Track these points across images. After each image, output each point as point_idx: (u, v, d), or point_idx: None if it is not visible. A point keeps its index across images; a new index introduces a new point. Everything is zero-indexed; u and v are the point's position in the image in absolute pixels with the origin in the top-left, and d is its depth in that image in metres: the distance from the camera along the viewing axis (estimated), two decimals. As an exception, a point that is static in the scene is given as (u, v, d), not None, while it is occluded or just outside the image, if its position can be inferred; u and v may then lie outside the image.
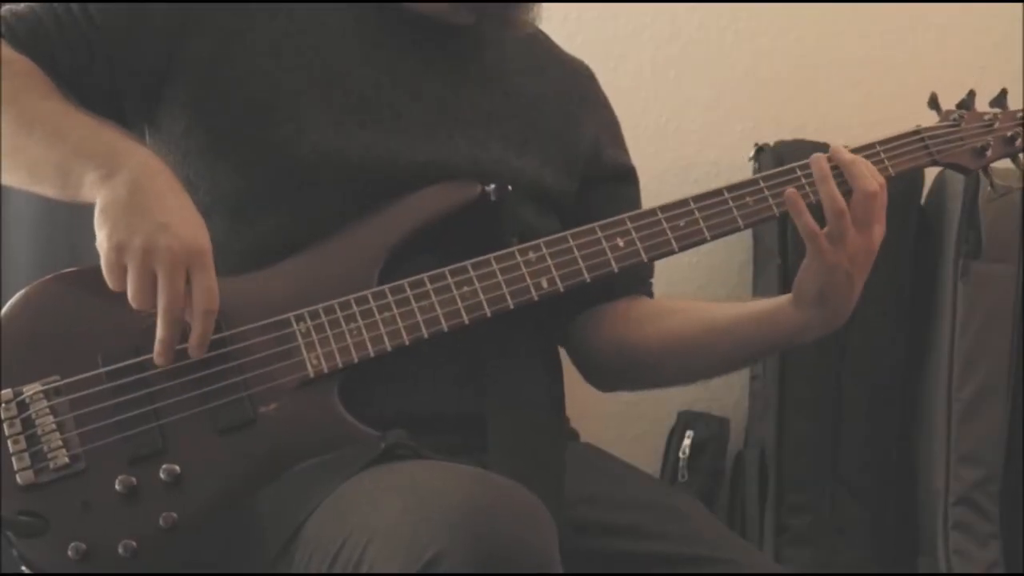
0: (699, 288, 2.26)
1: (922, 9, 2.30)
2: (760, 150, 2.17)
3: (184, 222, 1.19)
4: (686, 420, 2.20)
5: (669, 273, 2.23)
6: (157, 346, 1.18)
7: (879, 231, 1.34)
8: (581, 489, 1.30)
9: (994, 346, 2.04)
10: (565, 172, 1.45)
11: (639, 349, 1.46)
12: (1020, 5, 2.28)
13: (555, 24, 1.63)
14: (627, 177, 1.54)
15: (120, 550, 1.17)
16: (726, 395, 2.29)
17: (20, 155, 1.25)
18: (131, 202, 1.18)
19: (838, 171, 1.35)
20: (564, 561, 1.05)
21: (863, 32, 2.30)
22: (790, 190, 1.34)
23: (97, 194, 1.19)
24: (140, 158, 1.21)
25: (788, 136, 2.18)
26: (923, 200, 2.16)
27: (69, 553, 1.16)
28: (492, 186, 1.33)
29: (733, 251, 2.27)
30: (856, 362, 2.10)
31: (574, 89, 1.51)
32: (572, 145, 1.47)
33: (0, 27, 1.31)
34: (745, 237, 2.23)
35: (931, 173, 2.14)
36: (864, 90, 2.27)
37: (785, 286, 2.06)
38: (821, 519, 2.09)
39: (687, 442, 2.16)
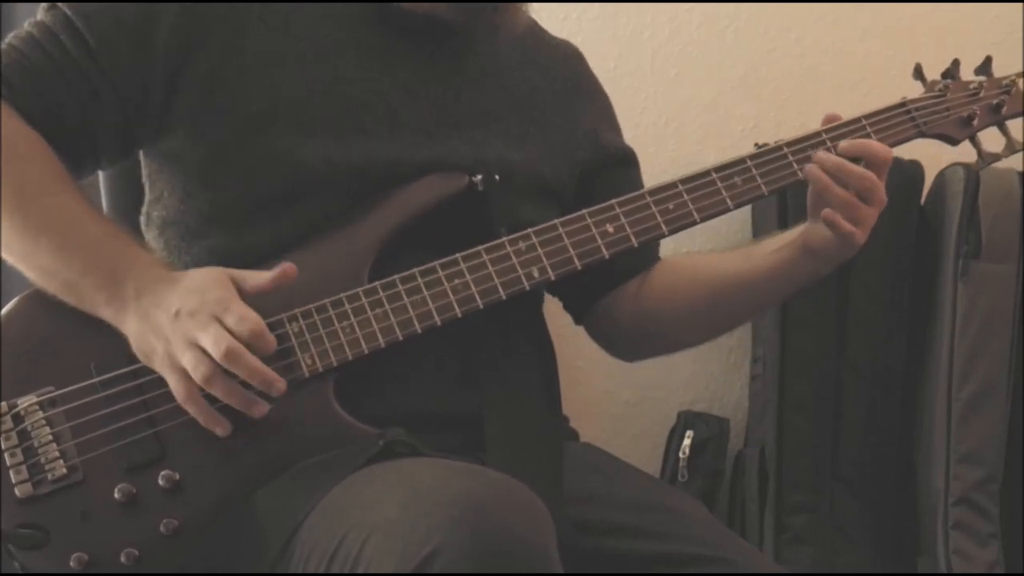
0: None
1: (922, 9, 2.30)
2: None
3: (187, 294, 1.19)
4: (686, 420, 2.20)
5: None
6: (240, 404, 1.18)
7: (882, 194, 1.37)
8: (581, 489, 1.30)
9: (994, 346, 2.04)
10: (564, 163, 1.45)
11: (653, 318, 1.50)
12: (1020, 5, 2.28)
13: (555, 24, 1.63)
14: (628, 160, 1.55)
15: (122, 559, 1.17)
16: (726, 395, 2.29)
17: (29, 260, 1.25)
18: (144, 325, 1.20)
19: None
20: (564, 561, 1.05)
21: (863, 32, 2.30)
22: (810, 166, 1.36)
23: (115, 322, 1.21)
24: (137, 274, 1.22)
25: (788, 136, 2.17)
26: (923, 200, 2.15)
27: (71, 564, 1.16)
28: (479, 176, 1.33)
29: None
30: (856, 362, 2.10)
31: (568, 76, 1.51)
32: (570, 135, 1.47)
33: (1, 90, 1.28)
34: (745, 236, 2.23)
35: (931, 173, 2.14)
36: (864, 90, 2.27)
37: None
38: (821, 519, 2.09)
39: (687, 442, 2.16)
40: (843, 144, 1.38)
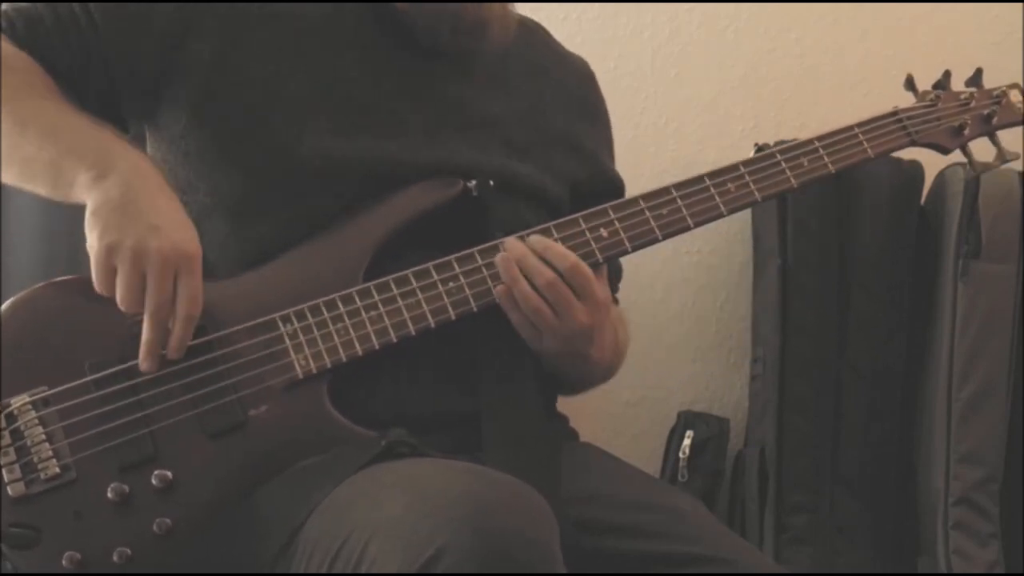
0: (699, 288, 2.26)
1: (922, 9, 2.30)
2: (760, 150, 2.16)
3: (175, 225, 1.19)
4: (686, 420, 2.20)
5: (669, 274, 2.25)
6: (143, 349, 1.19)
7: (602, 291, 1.32)
8: (581, 489, 1.30)
9: (994, 346, 2.04)
10: (563, 179, 1.45)
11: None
12: (1020, 5, 2.28)
13: (555, 24, 1.63)
14: (620, 191, 1.55)
15: (115, 558, 1.17)
16: (726, 395, 2.29)
17: (14, 153, 1.26)
18: (122, 204, 1.19)
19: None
20: (564, 560, 1.05)
21: (863, 32, 2.30)
22: (500, 288, 1.30)
23: (88, 196, 1.20)
24: (132, 161, 1.22)
25: (788, 136, 2.18)
26: (923, 200, 2.15)
27: (63, 563, 1.16)
28: (474, 182, 1.33)
29: (733, 251, 2.27)
30: (856, 362, 2.10)
31: (575, 92, 1.51)
32: (573, 153, 1.47)
33: (1, 22, 1.32)
34: (745, 237, 2.23)
35: (931, 173, 2.14)
36: (864, 90, 2.27)
37: (785, 286, 2.07)
38: (821, 519, 2.09)
39: (687, 442, 2.16)
40: (532, 239, 1.32)
